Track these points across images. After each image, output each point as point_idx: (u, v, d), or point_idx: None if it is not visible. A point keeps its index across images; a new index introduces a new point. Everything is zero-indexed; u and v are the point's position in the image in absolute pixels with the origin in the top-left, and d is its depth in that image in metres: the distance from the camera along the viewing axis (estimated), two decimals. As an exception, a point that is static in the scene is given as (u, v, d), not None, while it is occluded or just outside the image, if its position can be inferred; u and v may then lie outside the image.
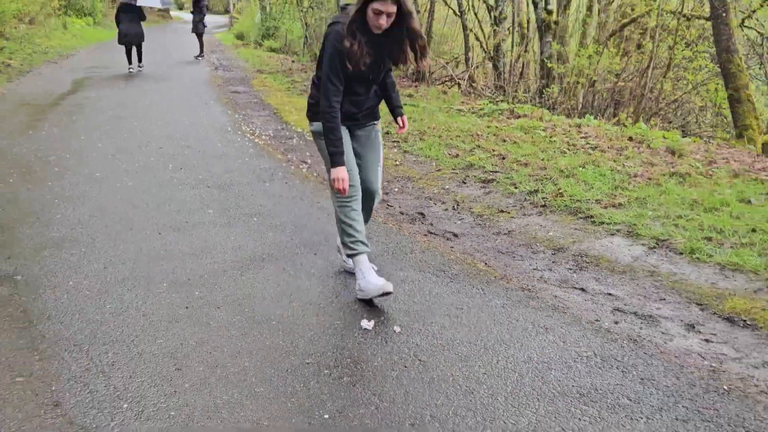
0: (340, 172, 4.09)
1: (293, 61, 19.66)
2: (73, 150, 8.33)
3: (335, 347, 3.76)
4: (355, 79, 4.12)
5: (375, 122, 4.55)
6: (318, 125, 4.26)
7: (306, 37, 20.26)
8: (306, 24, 20.09)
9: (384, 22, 3.85)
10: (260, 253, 5.13)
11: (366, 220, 4.65)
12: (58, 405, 3.18)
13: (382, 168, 4.66)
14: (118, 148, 8.45)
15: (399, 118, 4.69)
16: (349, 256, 4.40)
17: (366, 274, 4.22)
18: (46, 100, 12.15)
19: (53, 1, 25.34)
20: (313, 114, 4.36)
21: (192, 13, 20.60)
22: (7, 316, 4.06)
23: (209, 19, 22.71)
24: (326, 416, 3.11)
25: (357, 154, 4.45)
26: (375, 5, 3.76)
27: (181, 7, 42.01)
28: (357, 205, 4.30)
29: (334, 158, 4.09)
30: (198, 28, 20.26)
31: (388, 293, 4.12)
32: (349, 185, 4.18)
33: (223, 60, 20.30)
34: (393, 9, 3.79)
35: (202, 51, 20.42)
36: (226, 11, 43.05)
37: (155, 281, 4.58)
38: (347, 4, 4.13)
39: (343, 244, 4.38)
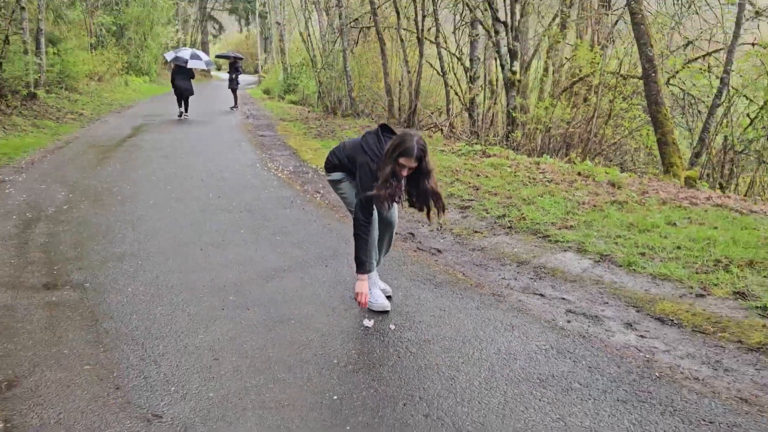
0: (363, 287, 3.95)
1: (309, 111, 19.74)
2: (133, 182, 8.35)
3: (342, 341, 3.76)
4: None
5: None
6: (334, 176, 4.27)
7: (319, 92, 20.33)
8: (319, 82, 20.14)
9: (405, 172, 3.75)
10: (282, 265, 5.12)
11: (386, 251, 4.52)
12: (119, 388, 3.17)
13: None
14: (169, 181, 8.46)
15: None
16: None
17: (373, 290, 4.20)
18: (111, 142, 12.19)
19: (117, 64, 25.48)
20: (327, 169, 4.31)
21: (229, 72, 20.75)
22: (78, 315, 4.06)
23: (242, 77, 22.84)
24: (335, 397, 3.10)
25: None
26: (401, 160, 3.66)
27: (219, 68, 42.26)
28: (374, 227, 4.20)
29: (361, 267, 3.96)
30: (233, 85, 20.36)
31: (386, 311, 4.15)
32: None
33: (253, 110, 20.38)
34: (414, 165, 3.69)
35: (236, 103, 20.48)
36: (256, 71, 43.27)
37: (197, 288, 4.57)
38: (385, 129, 4.02)
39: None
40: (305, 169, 9.70)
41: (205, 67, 18.29)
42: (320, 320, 4.04)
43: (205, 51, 41.01)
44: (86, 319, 4.02)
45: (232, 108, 20.16)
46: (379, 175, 3.77)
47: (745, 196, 9.15)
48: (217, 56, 27.73)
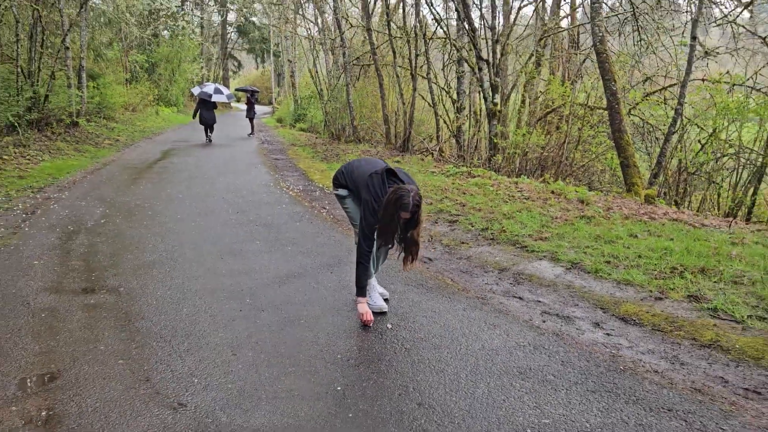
0: (365, 308, 3.94)
1: (316, 138, 19.73)
2: (162, 199, 8.34)
3: (346, 339, 3.74)
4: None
5: None
6: (340, 191, 4.23)
7: (325, 121, 20.34)
8: (326, 112, 20.16)
9: (402, 221, 3.75)
10: (293, 272, 5.11)
11: (383, 260, 4.40)
12: (149, 380, 3.16)
13: None
14: (193, 198, 8.46)
15: None
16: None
17: (372, 294, 4.20)
18: (143, 164, 12.19)
19: (149, 96, 25.56)
20: (335, 185, 4.28)
21: (246, 103, 20.87)
22: (113, 316, 4.04)
23: (258, 108, 22.97)
24: (339, 388, 3.09)
25: None
26: (401, 212, 3.64)
27: (239, 100, 42.34)
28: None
29: (361, 291, 3.96)
30: (250, 114, 20.44)
31: (384, 312, 4.16)
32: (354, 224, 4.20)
33: (267, 137, 20.39)
34: (408, 216, 3.68)
35: (252, 130, 20.50)
36: (270, 103, 43.39)
37: (218, 292, 4.56)
38: (390, 173, 3.95)
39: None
40: (313, 188, 9.70)
41: (226, 100, 18.42)
42: (326, 320, 4.03)
43: (226, 85, 41.14)
44: (120, 319, 4.00)
45: (249, 135, 20.19)
46: (381, 217, 3.73)
47: (697, 211, 9.18)
48: (237, 89, 27.90)
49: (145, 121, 22.50)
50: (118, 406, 2.90)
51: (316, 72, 22.06)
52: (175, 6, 27.78)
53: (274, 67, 43.58)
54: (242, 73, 55.03)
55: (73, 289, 4.59)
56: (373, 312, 4.12)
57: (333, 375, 3.25)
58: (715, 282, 4.67)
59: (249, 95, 20.82)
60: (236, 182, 10.01)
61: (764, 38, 10.41)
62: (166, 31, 29.88)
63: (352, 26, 19.16)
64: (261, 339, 3.71)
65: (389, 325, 3.95)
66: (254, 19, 42.99)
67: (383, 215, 3.70)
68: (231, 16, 42.28)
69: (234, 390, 3.07)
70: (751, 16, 12.00)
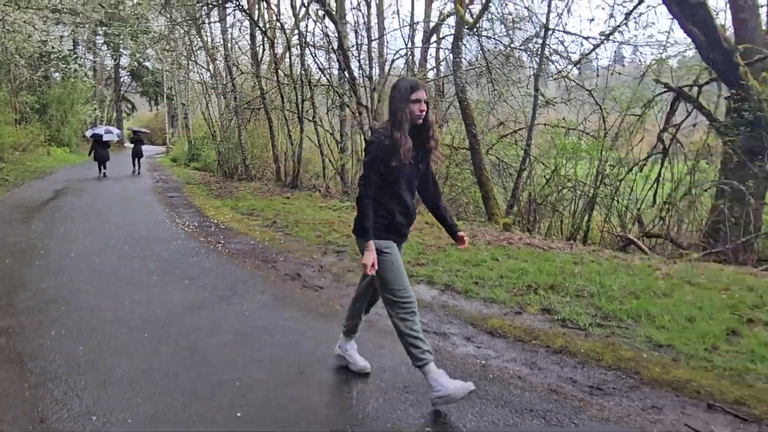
0: (371, 255, 3.07)
1: (210, 176, 19.08)
2: (55, 237, 7.67)
3: (244, 367, 3.61)
4: (400, 182, 3.16)
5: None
6: (383, 245, 3.19)
7: (219, 160, 19.75)
8: (219, 152, 19.58)
9: (424, 107, 3.05)
10: (191, 304, 4.86)
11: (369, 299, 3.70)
12: (44, 420, 2.88)
13: None
14: (87, 235, 7.84)
15: (458, 235, 3.66)
16: (418, 366, 3.11)
17: (440, 380, 3.03)
18: (35, 204, 11.16)
19: (40, 136, 23.65)
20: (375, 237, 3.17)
21: (132, 142, 20.56)
22: (5, 358, 3.65)
23: (153, 149, 22.12)
24: (239, 414, 2.97)
25: None
26: (415, 95, 3.01)
27: (131, 141, 40.20)
28: (418, 318, 3.19)
29: (366, 234, 3.10)
30: (135, 152, 19.67)
31: (472, 391, 3.04)
32: (409, 298, 3.21)
33: (162, 175, 19.43)
34: (426, 96, 3.05)
35: (138, 169, 19.61)
36: (164, 143, 41.49)
37: (116, 328, 4.22)
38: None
39: (411, 355, 3.12)
40: (208, 224, 9.33)
41: (116, 139, 19.58)
42: (225, 349, 3.85)
43: (119, 127, 38.71)
44: (12, 360, 3.62)
45: (134, 173, 19.25)
46: (394, 116, 3.05)
47: (545, 236, 9.79)
48: (128, 129, 26.93)
49: (37, 161, 20.74)
50: (11, 451, 2.61)
51: (209, 114, 21.47)
52: (67, 49, 26.01)
53: (168, 109, 41.81)
54: (136, 114, 52.34)
55: (-41, 333, 4.09)
56: (353, 371, 3.56)
57: (232, 401, 3.12)
58: (562, 296, 5.01)
59: (133, 135, 20.47)
60: (132, 219, 9.43)
61: (590, 91, 11.48)
62: (57, 74, 27.87)
63: (242, 73, 18.88)
64: (161, 372, 3.48)
65: (284, 351, 3.86)
66: (147, 63, 41.12)
67: (394, 109, 3.04)
68: (124, 60, 40.17)
69: (133, 424, 2.86)
70: (579, 73, 13.20)
